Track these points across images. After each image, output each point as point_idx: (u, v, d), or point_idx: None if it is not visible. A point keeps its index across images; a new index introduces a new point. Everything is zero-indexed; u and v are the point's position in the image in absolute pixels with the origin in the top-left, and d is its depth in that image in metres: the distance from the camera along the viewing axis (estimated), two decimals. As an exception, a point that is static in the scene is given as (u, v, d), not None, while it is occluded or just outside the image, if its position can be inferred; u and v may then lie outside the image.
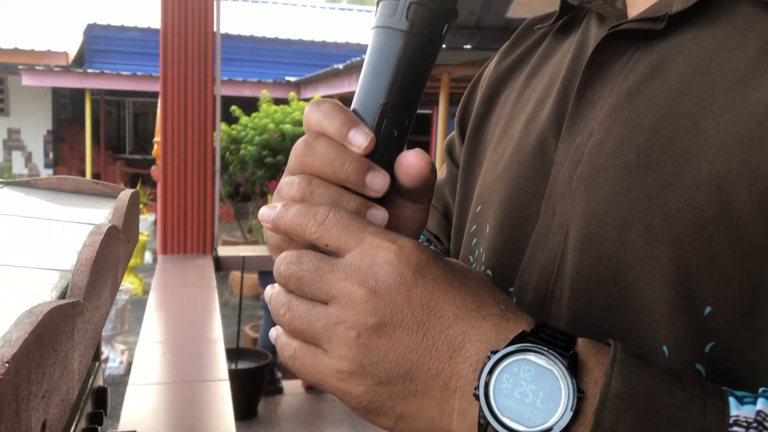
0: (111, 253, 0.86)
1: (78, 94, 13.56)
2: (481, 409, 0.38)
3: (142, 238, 7.35)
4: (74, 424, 0.87)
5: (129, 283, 6.06)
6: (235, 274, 6.82)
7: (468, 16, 5.79)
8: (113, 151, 14.73)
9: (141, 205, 7.64)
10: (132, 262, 7.16)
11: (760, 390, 0.37)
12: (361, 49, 13.32)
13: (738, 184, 0.41)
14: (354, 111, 0.46)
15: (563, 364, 0.37)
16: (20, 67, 11.76)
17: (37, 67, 11.88)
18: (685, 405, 0.35)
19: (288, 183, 0.46)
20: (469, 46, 6.10)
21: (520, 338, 0.39)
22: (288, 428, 3.46)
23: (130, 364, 4.79)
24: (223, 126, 6.48)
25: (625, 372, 0.36)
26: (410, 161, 0.45)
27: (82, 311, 0.66)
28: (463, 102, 0.71)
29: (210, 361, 1.92)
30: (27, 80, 11.71)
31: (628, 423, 0.35)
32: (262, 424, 3.49)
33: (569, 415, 0.36)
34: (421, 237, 0.74)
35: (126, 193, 1.18)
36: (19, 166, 14.06)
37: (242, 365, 3.56)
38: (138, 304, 6.38)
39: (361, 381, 0.40)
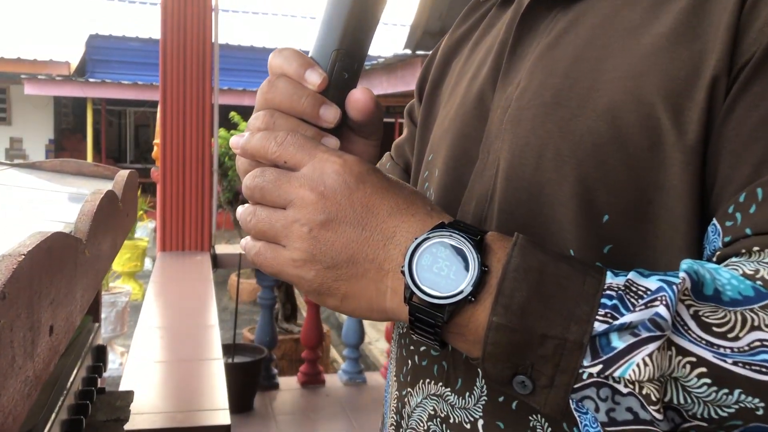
0: (110, 213, 0.95)
1: (80, 104, 13.69)
2: (406, 282, 0.46)
3: (142, 244, 7.42)
4: (75, 369, 0.95)
5: (130, 287, 6.13)
6: (234, 280, 6.88)
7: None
8: (114, 161, 14.85)
9: (141, 212, 7.71)
10: (131, 267, 7.22)
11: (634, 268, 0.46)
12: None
13: (627, 110, 0.50)
14: (311, 57, 0.56)
15: (471, 244, 0.46)
16: (23, 76, 11.89)
17: (39, 77, 12.01)
18: (569, 276, 0.44)
19: (255, 117, 0.55)
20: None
21: (439, 227, 0.48)
22: (283, 422, 3.53)
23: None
24: (222, 132, 6.57)
25: (523, 252, 0.45)
26: (357, 97, 0.54)
27: (84, 251, 0.74)
28: (422, 71, 0.80)
29: (205, 344, 2.00)
30: (29, 89, 11.84)
31: (524, 290, 0.43)
32: (258, 418, 3.56)
33: (475, 282, 0.45)
34: None
35: (124, 172, 1.27)
36: (20, 175, 14.13)
37: (238, 360, 3.64)
38: (137, 309, 6.44)
39: (312, 267, 0.49)
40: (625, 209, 0.50)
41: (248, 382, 3.62)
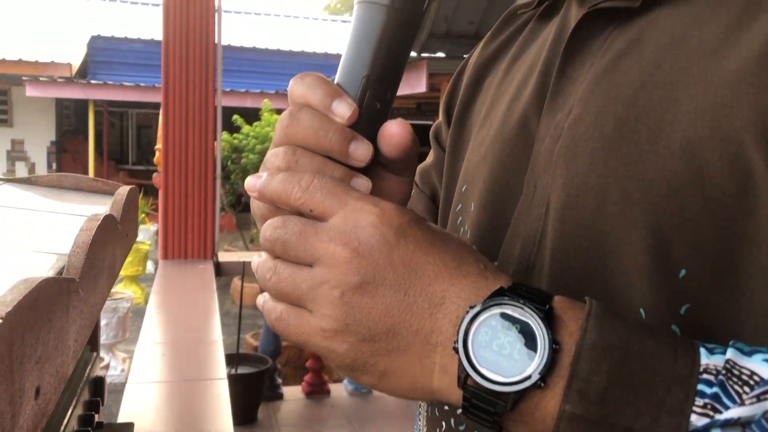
0: (108, 240, 0.87)
1: (81, 105, 13.63)
2: (460, 361, 0.39)
3: (144, 247, 7.36)
4: (71, 408, 0.88)
5: (131, 292, 6.07)
6: (237, 284, 6.82)
7: (468, 26, 5.83)
8: (116, 162, 14.79)
9: (143, 215, 7.65)
10: (133, 271, 7.17)
11: (730, 343, 0.38)
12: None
13: (709, 149, 0.42)
14: (338, 84, 0.48)
15: (539, 317, 0.38)
16: (24, 78, 11.84)
17: (41, 79, 11.96)
18: (657, 354, 0.37)
19: (273, 154, 0.47)
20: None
21: (498, 293, 0.40)
22: (287, 434, 3.47)
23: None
24: (224, 135, 6.51)
25: (600, 325, 0.38)
26: (393, 131, 0.47)
27: (77, 290, 0.67)
28: (449, 89, 0.73)
29: (209, 361, 1.93)
30: (31, 91, 11.78)
31: (603, 372, 0.36)
32: (262, 429, 3.49)
33: (545, 364, 0.37)
34: None
35: (124, 189, 1.19)
36: (22, 177, 14.11)
37: (242, 370, 3.57)
38: (139, 313, 6.38)
39: (345, 339, 0.41)
40: (706, 263, 0.42)
41: (252, 394, 3.55)
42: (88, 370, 1.02)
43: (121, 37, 13.67)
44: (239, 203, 7.64)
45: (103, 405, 1.03)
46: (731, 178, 0.42)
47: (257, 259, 0.46)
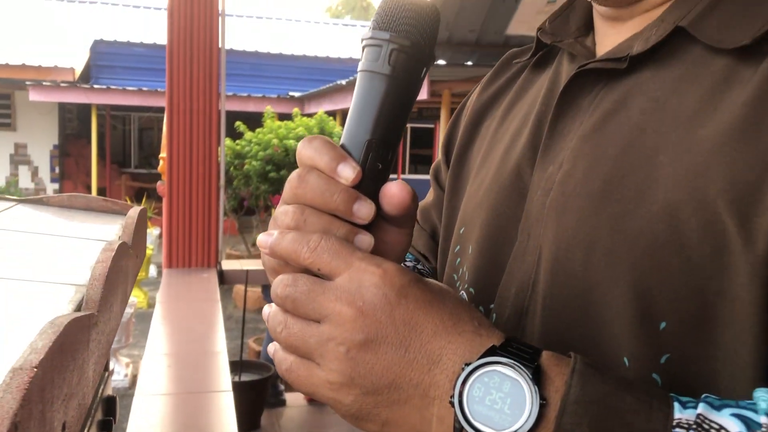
0: (121, 268, 0.91)
1: (84, 110, 13.69)
2: (456, 415, 0.42)
3: (147, 251, 7.40)
4: (86, 430, 0.92)
5: (134, 297, 6.11)
6: (239, 288, 6.87)
7: (468, 34, 5.87)
8: (119, 166, 14.83)
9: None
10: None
11: (702, 396, 0.42)
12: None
13: (686, 212, 0.46)
14: (342, 146, 0.51)
15: (528, 375, 0.42)
16: (27, 82, 11.89)
17: (44, 83, 12.01)
18: (633, 409, 0.40)
19: (283, 212, 0.51)
20: (469, 63, 6.19)
21: (490, 352, 0.43)
22: (290, 440, 3.50)
23: (134, 376, 4.82)
24: (227, 141, 6.55)
25: (583, 381, 0.41)
26: (393, 192, 0.50)
27: (96, 323, 0.71)
28: (448, 130, 0.77)
29: (214, 373, 1.97)
30: (34, 96, 11.84)
31: (585, 425, 0.40)
32: (265, 437, 3.53)
33: (533, 419, 0.41)
34: (410, 256, 0.80)
35: (135, 211, 1.23)
36: (25, 181, 14.17)
37: (245, 377, 3.60)
38: (143, 318, 6.43)
39: (350, 391, 0.45)
40: (685, 316, 0.46)
41: (255, 401, 3.58)
42: (101, 390, 1.06)
43: (123, 42, 13.72)
44: (241, 207, 7.68)
45: (115, 423, 1.07)
46: (706, 240, 0.45)
47: (267, 309, 0.50)
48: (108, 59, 13.57)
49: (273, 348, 0.50)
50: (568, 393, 0.41)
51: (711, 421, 0.39)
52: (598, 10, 0.61)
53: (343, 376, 0.45)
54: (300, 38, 16.66)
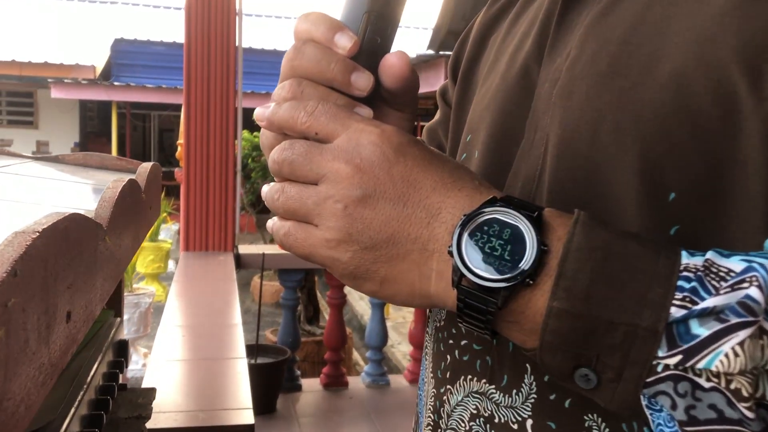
0: (132, 204, 0.91)
1: (105, 107, 13.85)
2: (454, 265, 0.41)
3: (166, 245, 7.46)
4: (96, 364, 0.92)
5: (153, 288, 6.15)
6: (257, 282, 6.89)
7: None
8: (138, 164, 14.94)
9: (165, 215, 7.75)
10: (155, 268, 7.26)
11: (711, 248, 0.41)
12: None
13: (695, 77, 0.45)
14: (340, 21, 0.51)
15: (528, 221, 0.41)
16: (49, 80, 12.06)
17: (65, 81, 12.17)
18: (639, 255, 0.39)
19: (280, 87, 0.50)
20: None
21: (491, 202, 0.43)
22: (306, 424, 3.50)
23: (152, 364, 4.85)
24: (245, 134, 6.57)
25: (586, 229, 0.40)
26: (392, 62, 0.50)
27: (104, 237, 0.71)
28: (456, 49, 0.76)
29: (229, 342, 1.97)
30: (56, 93, 11.99)
31: (587, 271, 0.38)
32: (281, 420, 3.53)
33: (534, 263, 0.40)
34: None
35: (147, 164, 1.24)
36: (47, 178, 14.34)
37: (262, 360, 3.61)
38: (161, 311, 6.47)
39: (348, 248, 0.44)
40: (694, 186, 0.45)
41: (271, 384, 3.59)
42: (112, 333, 1.06)
43: (143, 40, 13.86)
44: (259, 203, 7.70)
45: (126, 366, 1.07)
46: (716, 103, 0.44)
47: (266, 186, 0.50)
48: (128, 57, 13.71)
49: (271, 221, 0.49)
50: (571, 240, 0.40)
51: (720, 265, 0.38)
52: None
53: (340, 233, 0.44)
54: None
